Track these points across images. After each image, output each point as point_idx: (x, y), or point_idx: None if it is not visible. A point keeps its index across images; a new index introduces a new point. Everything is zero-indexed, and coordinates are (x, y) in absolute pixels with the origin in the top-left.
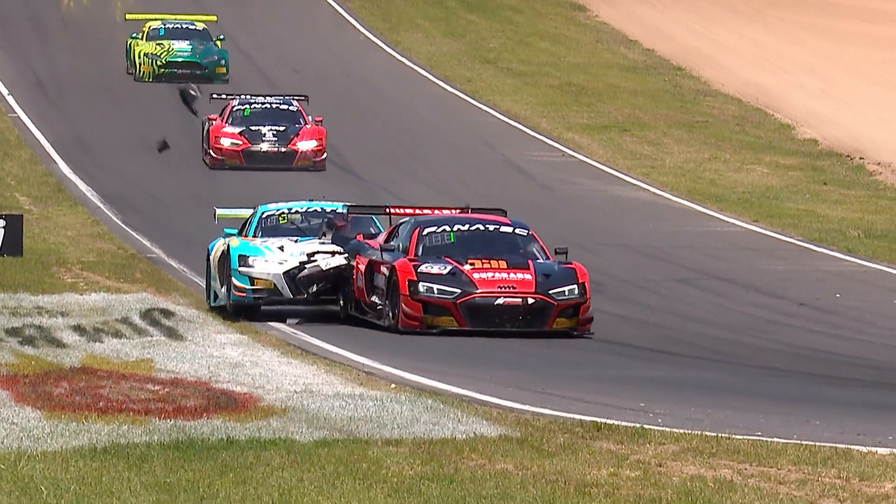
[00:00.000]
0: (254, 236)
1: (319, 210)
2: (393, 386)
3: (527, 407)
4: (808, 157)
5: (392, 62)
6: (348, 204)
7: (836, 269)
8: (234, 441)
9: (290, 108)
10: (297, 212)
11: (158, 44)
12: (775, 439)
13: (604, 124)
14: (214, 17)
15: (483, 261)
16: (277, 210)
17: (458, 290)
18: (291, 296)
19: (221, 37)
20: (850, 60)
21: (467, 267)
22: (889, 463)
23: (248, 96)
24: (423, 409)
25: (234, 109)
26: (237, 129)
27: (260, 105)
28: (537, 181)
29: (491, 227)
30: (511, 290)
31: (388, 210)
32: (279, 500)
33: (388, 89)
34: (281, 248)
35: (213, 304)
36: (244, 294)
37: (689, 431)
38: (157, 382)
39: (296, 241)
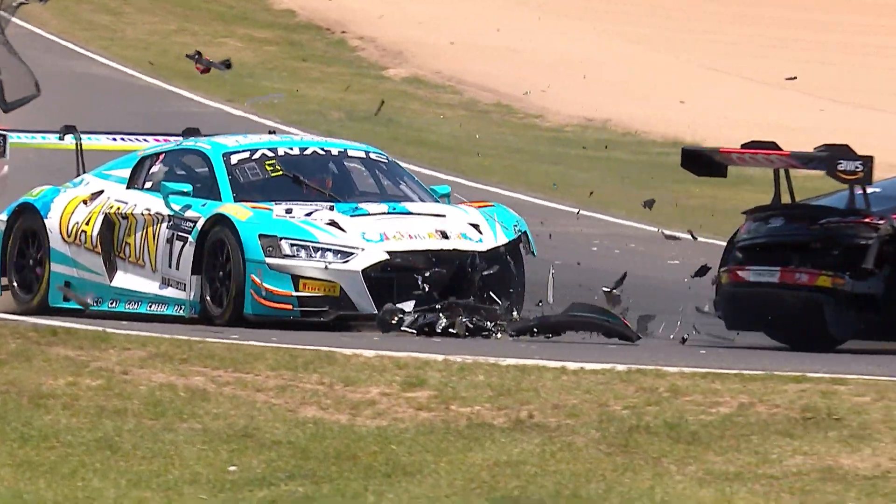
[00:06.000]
0: (237, 198)
1: (322, 152)
2: None
3: None
4: (284, 30)
5: None
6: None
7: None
8: None
9: None
10: (286, 154)
11: None
12: (252, 342)
13: None
14: None
15: None
16: (247, 148)
17: None
18: (374, 310)
19: None
20: None
21: None
22: (374, 366)
23: None
24: None
25: None
26: None
27: None
28: None
29: None
30: None
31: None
32: None
33: None
34: (334, 224)
35: (56, 302)
36: (287, 305)
37: (158, 335)
38: None
39: (331, 209)
